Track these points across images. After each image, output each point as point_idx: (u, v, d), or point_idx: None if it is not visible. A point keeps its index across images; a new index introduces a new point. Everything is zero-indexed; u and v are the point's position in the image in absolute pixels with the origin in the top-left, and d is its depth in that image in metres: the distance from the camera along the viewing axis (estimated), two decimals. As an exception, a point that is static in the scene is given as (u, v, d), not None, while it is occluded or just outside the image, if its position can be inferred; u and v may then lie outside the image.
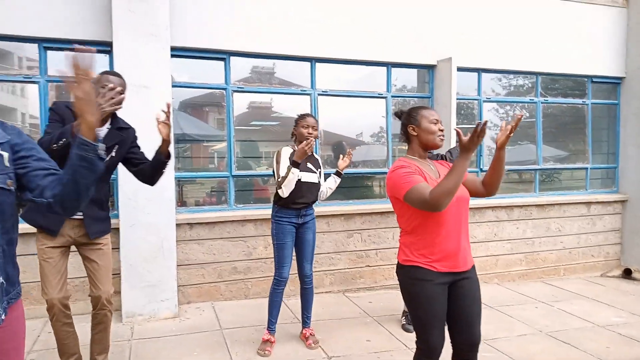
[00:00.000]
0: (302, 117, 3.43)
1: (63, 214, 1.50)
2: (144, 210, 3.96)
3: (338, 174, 3.63)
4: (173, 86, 4.34)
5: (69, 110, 2.61)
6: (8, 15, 3.83)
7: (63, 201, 1.42)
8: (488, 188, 2.31)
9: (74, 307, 2.91)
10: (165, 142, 2.75)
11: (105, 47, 4.08)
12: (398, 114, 2.44)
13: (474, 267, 2.30)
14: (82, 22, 3.98)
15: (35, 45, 4.01)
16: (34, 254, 3.84)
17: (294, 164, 3.19)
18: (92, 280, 2.83)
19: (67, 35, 3.98)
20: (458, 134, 2.00)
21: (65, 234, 2.71)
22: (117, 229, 3.91)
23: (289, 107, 4.91)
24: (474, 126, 1.93)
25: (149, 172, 2.86)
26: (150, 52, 3.99)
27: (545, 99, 5.94)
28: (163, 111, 2.67)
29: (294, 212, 3.39)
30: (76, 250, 2.84)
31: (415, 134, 2.28)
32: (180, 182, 4.58)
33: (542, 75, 5.87)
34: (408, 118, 2.31)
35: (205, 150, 4.92)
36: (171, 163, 4.04)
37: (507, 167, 5.77)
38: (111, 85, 2.53)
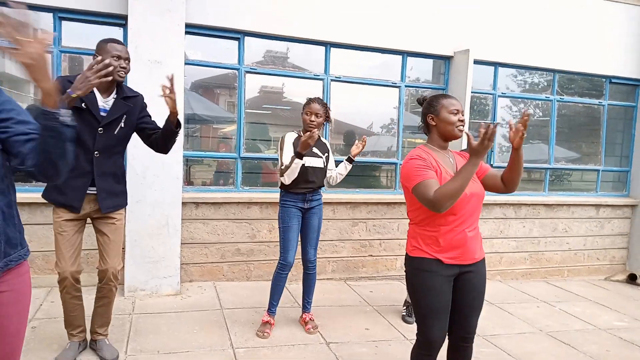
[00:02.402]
0: (308, 102, 3.37)
1: (47, 181, 1.49)
2: (151, 187, 3.96)
3: (350, 160, 3.60)
4: (186, 64, 4.32)
5: (70, 85, 2.57)
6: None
7: (44, 170, 1.40)
8: (507, 185, 2.29)
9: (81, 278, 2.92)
10: (172, 114, 2.70)
11: (120, 20, 4.05)
12: (420, 101, 2.41)
13: (483, 260, 2.28)
14: (98, -6, 3.95)
15: (50, 15, 3.98)
16: (39, 224, 3.90)
17: (298, 155, 3.15)
18: (101, 253, 2.84)
19: (83, 6, 3.95)
20: (468, 137, 1.97)
21: (83, 207, 2.71)
22: (124, 204, 3.92)
23: (301, 92, 4.86)
24: (484, 127, 1.90)
25: (161, 141, 2.82)
26: (165, 28, 3.95)
27: (561, 97, 5.84)
28: (166, 86, 2.61)
29: (299, 196, 3.37)
30: (90, 222, 2.85)
31: (434, 123, 2.25)
32: (188, 162, 4.57)
33: (560, 73, 5.77)
34: (428, 107, 2.28)
35: (215, 131, 4.90)
36: (180, 140, 4.06)
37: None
38: (99, 58, 2.40)
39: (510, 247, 5.59)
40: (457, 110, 2.20)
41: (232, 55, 4.55)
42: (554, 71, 5.72)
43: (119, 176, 2.85)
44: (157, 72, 3.91)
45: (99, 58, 2.41)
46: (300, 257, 3.56)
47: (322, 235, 4.69)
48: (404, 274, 2.34)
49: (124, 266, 3.95)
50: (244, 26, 4.43)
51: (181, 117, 4.06)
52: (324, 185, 3.53)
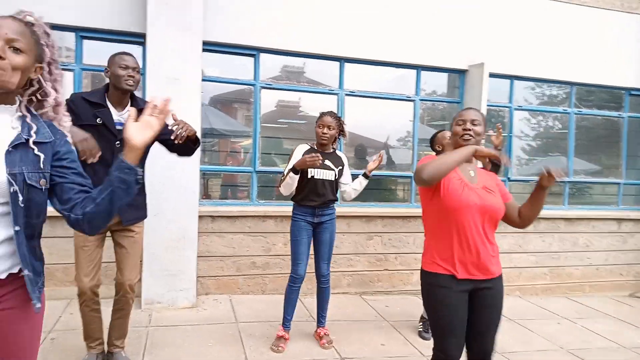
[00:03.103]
0: (320, 116, 3.41)
1: (88, 231, 1.48)
2: (168, 200, 4.02)
3: (365, 175, 3.59)
4: (203, 80, 4.40)
5: (84, 102, 2.64)
6: (48, 3, 3.94)
7: (92, 219, 1.42)
8: (523, 220, 2.28)
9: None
10: (192, 136, 2.68)
11: (139, 38, 4.16)
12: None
13: (500, 277, 2.24)
14: (118, 13, 4.07)
15: (73, 34, 4.12)
16: (60, 237, 3.97)
17: (293, 169, 3.19)
18: (119, 266, 2.88)
19: (104, 25, 4.08)
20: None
21: None
22: (141, 217, 3.98)
23: (316, 106, 4.88)
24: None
25: (182, 152, 2.83)
26: (183, 45, 4.05)
27: (579, 110, 5.77)
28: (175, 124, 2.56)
29: (309, 209, 3.38)
30: (110, 235, 2.89)
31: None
32: (205, 175, 4.63)
33: (577, 86, 5.71)
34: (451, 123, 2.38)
35: (231, 145, 4.97)
36: (197, 155, 4.12)
37: (530, 177, 5.71)
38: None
39: (529, 262, 5.49)
40: (463, 120, 2.21)
41: (248, 71, 4.62)
42: (571, 84, 5.66)
43: (140, 188, 2.88)
44: (175, 89, 3.99)
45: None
46: (314, 273, 3.56)
47: (336, 249, 4.69)
48: (420, 288, 2.33)
49: (141, 279, 4.00)
50: (259, 43, 4.51)
51: (199, 132, 4.16)
52: (336, 199, 3.52)
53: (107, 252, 3.14)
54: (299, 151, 3.41)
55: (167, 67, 4.01)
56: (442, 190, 2.13)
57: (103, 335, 2.95)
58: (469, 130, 2.18)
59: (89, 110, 2.63)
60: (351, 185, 3.58)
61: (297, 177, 3.21)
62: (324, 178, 3.38)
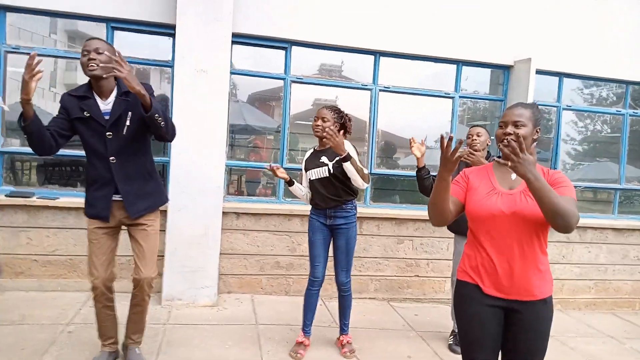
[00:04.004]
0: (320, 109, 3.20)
1: None
2: (192, 195, 3.93)
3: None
4: (232, 73, 4.30)
5: (71, 98, 2.56)
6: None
7: None
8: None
9: (119, 284, 2.89)
10: (136, 94, 2.37)
11: (170, 29, 4.08)
12: None
13: (546, 300, 1.90)
14: (149, 4, 4.01)
15: (104, 25, 4.09)
16: (86, 229, 3.96)
17: (289, 182, 3.29)
18: (135, 261, 2.78)
19: (134, 16, 4.03)
20: (441, 140, 1.82)
21: (112, 215, 2.66)
22: (165, 212, 3.91)
23: (349, 102, 4.70)
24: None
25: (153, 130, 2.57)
26: (212, 37, 3.94)
27: (635, 111, 5.32)
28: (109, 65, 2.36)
29: (320, 211, 3.23)
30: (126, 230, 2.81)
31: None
32: (231, 171, 4.53)
33: (633, 85, 5.26)
34: None
35: (261, 141, 4.85)
36: (222, 150, 4.01)
37: (582, 184, 5.31)
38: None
39: (573, 273, 5.11)
40: (504, 122, 1.92)
41: (279, 65, 4.48)
42: (626, 82, 5.22)
43: (146, 176, 2.71)
44: (203, 81, 3.90)
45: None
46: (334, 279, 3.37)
47: (364, 251, 4.52)
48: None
49: (162, 274, 3.93)
50: (291, 35, 4.35)
51: (225, 127, 4.06)
52: (348, 199, 3.18)
53: (129, 245, 3.05)
54: (304, 158, 3.37)
55: (195, 58, 3.91)
56: (467, 199, 1.94)
57: (117, 334, 2.87)
58: (509, 134, 1.88)
59: (75, 104, 2.54)
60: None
61: (290, 188, 3.33)
62: (318, 177, 3.18)
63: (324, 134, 2.92)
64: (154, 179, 2.78)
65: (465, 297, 1.95)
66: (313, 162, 3.22)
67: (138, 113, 2.49)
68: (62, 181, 4.30)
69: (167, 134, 2.56)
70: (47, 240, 4.00)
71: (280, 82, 4.52)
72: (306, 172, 3.26)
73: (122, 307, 2.86)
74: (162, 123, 2.47)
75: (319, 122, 3.12)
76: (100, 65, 2.43)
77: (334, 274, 3.31)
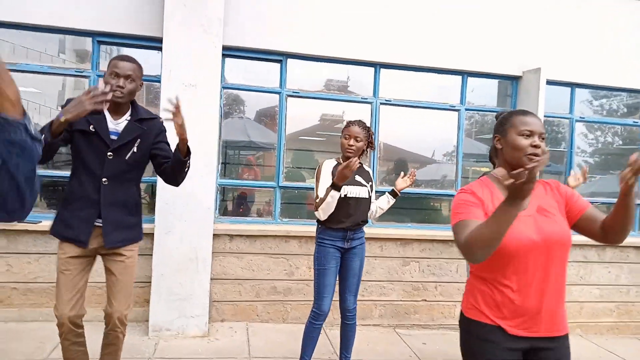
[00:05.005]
0: (347, 125, 2.97)
1: (8, 218, 1.12)
2: (180, 217, 3.68)
3: (394, 193, 3.12)
4: (224, 87, 4.09)
5: None
6: (67, 7, 3.75)
7: (6, 202, 1.06)
8: (609, 234, 1.66)
9: (93, 312, 2.63)
10: (181, 140, 2.35)
11: (158, 43, 3.88)
12: (497, 117, 1.87)
13: (567, 335, 1.68)
14: (135, 17, 3.83)
15: (90, 39, 3.91)
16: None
17: (334, 186, 2.73)
18: (108, 295, 2.53)
19: (120, 30, 3.84)
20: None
21: (89, 242, 2.42)
22: (152, 235, 3.67)
23: (348, 116, 4.48)
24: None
25: (169, 171, 2.50)
26: (201, 49, 3.74)
27: (654, 122, 5.03)
28: (170, 109, 2.26)
29: (339, 233, 2.92)
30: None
31: (500, 147, 1.73)
32: (224, 190, 4.28)
33: (651, 94, 4.98)
34: (497, 125, 1.77)
35: (254, 158, 4.61)
36: (213, 168, 3.79)
37: (597, 200, 5.00)
38: (100, 85, 2.20)
39: (592, 295, 4.76)
40: (531, 131, 1.64)
41: (274, 78, 4.26)
42: (643, 92, 4.94)
43: (131, 207, 2.53)
44: (192, 96, 3.69)
45: (100, 83, 2.20)
46: (338, 303, 3.09)
47: (367, 274, 4.22)
48: (459, 334, 1.81)
49: (148, 302, 3.67)
50: (286, 48, 4.14)
51: (215, 144, 3.83)
52: (367, 221, 3.06)
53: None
54: (327, 167, 2.97)
55: (183, 72, 3.70)
56: None
57: (90, 371, 2.60)
58: (539, 147, 1.61)
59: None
60: (376, 203, 3.11)
61: (338, 194, 2.76)
62: (358, 196, 2.92)
63: (350, 168, 2.63)
64: (138, 213, 2.59)
65: (484, 341, 1.65)
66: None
67: (148, 144, 2.49)
68: (44, 203, 4.07)
69: (182, 179, 2.54)
70: (28, 267, 3.76)
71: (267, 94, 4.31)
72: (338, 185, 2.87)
73: (99, 337, 2.59)
74: (187, 170, 2.47)
75: (353, 142, 2.90)
76: (126, 94, 2.39)
77: (339, 300, 3.05)
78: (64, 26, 3.80)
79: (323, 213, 2.82)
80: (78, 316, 2.43)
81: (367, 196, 2.98)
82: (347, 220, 2.90)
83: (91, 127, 2.36)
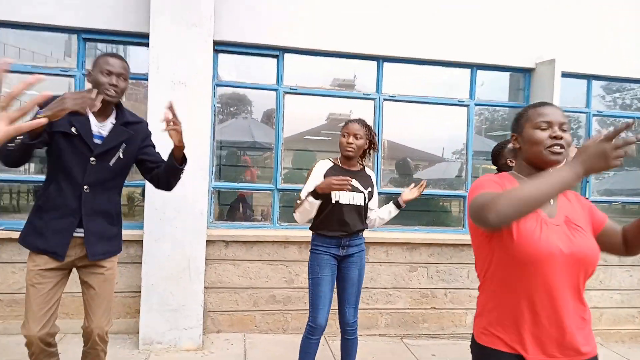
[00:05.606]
0: (346, 123, 2.76)
1: None
2: (171, 223, 3.47)
3: (397, 205, 2.88)
4: (217, 85, 3.88)
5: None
6: (51, 3, 3.56)
7: None
8: (631, 246, 1.53)
9: (74, 323, 2.43)
10: (177, 147, 2.25)
11: (146, 39, 3.67)
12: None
13: (596, 357, 1.46)
14: (122, 12, 3.62)
15: (75, 37, 3.71)
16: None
17: (314, 194, 2.52)
18: (86, 310, 2.35)
19: (106, 26, 3.64)
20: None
21: (67, 254, 2.23)
22: (141, 242, 3.47)
23: (349, 114, 4.25)
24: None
25: (163, 178, 2.37)
26: (190, 45, 3.52)
27: (676, 115, 4.72)
28: (168, 118, 2.14)
29: (333, 240, 2.68)
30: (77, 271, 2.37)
31: (518, 145, 1.55)
32: (218, 194, 4.06)
33: (674, 86, 4.67)
34: (513, 123, 1.60)
35: (250, 159, 4.40)
36: (206, 171, 3.57)
37: (614, 198, 4.71)
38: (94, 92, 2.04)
39: (613, 301, 4.47)
40: (549, 122, 1.44)
41: (270, 74, 4.03)
42: (666, 83, 4.64)
43: (113, 217, 2.35)
44: (182, 94, 3.47)
45: (90, 88, 2.07)
46: (337, 317, 2.85)
47: (372, 281, 3.99)
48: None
49: (139, 313, 3.46)
50: (283, 42, 3.91)
51: (208, 145, 3.61)
52: (365, 227, 2.82)
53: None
54: (320, 168, 2.75)
55: (172, 69, 3.49)
56: (515, 232, 1.37)
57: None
58: (560, 137, 1.43)
59: (64, 115, 2.13)
60: (377, 212, 2.87)
61: (318, 202, 2.56)
62: (352, 203, 2.69)
63: (342, 185, 2.47)
64: (118, 222, 2.41)
65: None
66: None
67: (134, 149, 2.34)
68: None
69: (175, 184, 2.44)
70: (13, 277, 3.57)
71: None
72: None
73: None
74: (181, 175, 2.39)
75: (352, 140, 2.67)
76: (120, 93, 2.26)
77: (337, 313, 2.82)
78: (46, 23, 3.60)
79: (300, 217, 2.64)
80: (50, 334, 2.23)
81: (363, 203, 2.73)
82: (339, 228, 2.67)
83: (73, 129, 2.17)
